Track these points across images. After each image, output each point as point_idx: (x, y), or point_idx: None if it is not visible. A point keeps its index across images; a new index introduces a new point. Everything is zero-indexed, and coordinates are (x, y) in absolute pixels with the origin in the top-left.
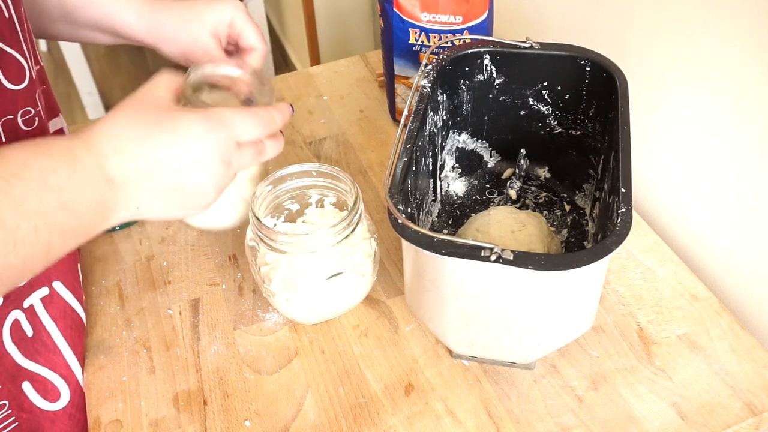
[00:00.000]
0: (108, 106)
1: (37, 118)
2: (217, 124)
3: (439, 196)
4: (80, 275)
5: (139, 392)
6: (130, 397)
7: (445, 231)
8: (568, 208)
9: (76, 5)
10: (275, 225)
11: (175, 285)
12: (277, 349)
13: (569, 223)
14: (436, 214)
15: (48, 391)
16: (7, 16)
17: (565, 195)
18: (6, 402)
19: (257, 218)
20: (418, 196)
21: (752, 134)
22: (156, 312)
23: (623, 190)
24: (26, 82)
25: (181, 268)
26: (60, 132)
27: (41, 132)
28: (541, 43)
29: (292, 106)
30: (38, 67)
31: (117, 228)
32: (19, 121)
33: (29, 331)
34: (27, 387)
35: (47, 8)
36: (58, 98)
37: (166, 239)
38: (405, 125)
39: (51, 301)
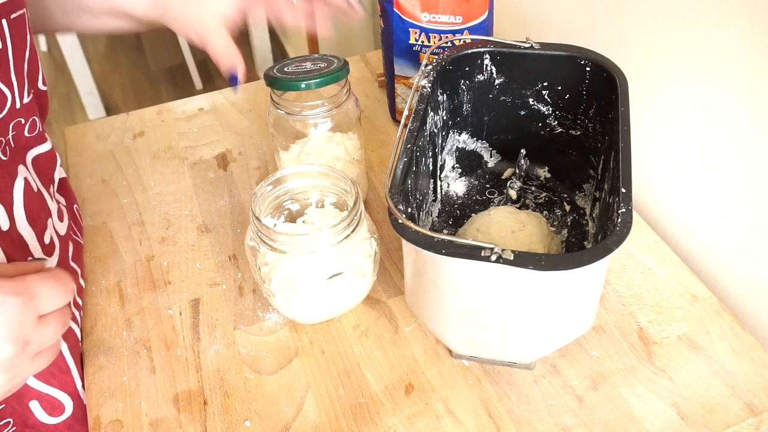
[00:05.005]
0: (108, 106)
1: (8, 148)
2: (9, 295)
3: (439, 196)
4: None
5: (139, 392)
6: (130, 397)
7: (445, 231)
8: (568, 208)
9: None
10: (275, 225)
11: (176, 285)
12: (277, 349)
13: (569, 223)
14: (436, 214)
15: (55, 407)
16: (0, 46)
17: (565, 195)
18: (10, 419)
19: (257, 218)
20: (418, 196)
21: (753, 134)
22: (156, 312)
23: (623, 190)
24: (3, 112)
25: (181, 268)
26: (45, 158)
27: (12, 162)
28: (541, 43)
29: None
30: (30, 98)
31: None
32: None
33: None
34: (35, 405)
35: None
36: (57, 99)
37: (166, 239)
38: (405, 125)
39: None
